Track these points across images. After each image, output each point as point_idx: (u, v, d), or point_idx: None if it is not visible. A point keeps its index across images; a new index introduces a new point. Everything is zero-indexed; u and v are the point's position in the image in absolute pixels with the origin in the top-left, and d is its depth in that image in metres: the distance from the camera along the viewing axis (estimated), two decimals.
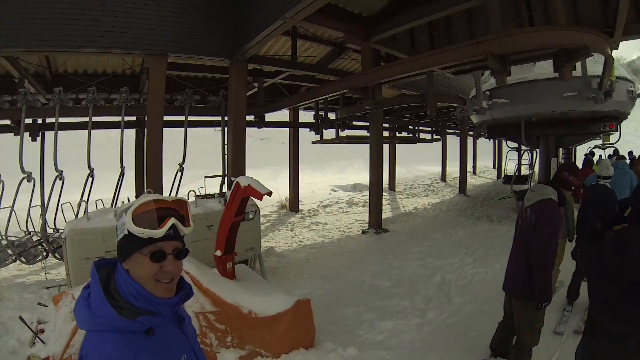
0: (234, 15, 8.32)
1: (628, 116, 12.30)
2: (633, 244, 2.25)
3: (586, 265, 3.00)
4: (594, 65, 9.83)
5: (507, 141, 15.07)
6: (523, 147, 14.73)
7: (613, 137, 12.57)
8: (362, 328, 5.45)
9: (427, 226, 12.17)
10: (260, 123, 11.95)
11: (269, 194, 4.32)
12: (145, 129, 8.79)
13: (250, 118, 11.20)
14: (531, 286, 3.79)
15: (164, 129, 8.18)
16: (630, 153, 11.45)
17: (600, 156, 11.70)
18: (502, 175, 15.94)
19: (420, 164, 33.88)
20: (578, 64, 8.76)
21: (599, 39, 5.81)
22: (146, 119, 8.69)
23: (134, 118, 11.27)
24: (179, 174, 8.82)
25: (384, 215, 12.54)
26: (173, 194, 8.25)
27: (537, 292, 3.73)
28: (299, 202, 15.80)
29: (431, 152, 29.99)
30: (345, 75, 11.82)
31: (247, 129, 9.79)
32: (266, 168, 23.82)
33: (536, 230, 3.79)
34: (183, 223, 1.52)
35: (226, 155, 9.13)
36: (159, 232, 1.43)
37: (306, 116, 16.09)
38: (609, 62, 7.92)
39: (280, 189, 15.73)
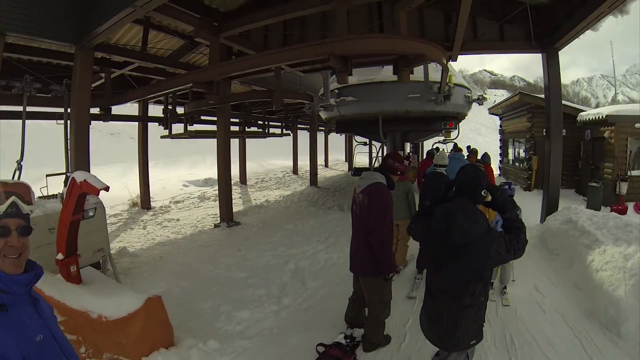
0: None
1: (466, 117, 14.03)
2: (457, 213, 2.77)
3: (419, 237, 3.40)
4: (436, 72, 10.91)
5: (356, 136, 15.79)
6: (374, 142, 15.68)
7: (453, 134, 13.98)
8: (221, 320, 5.46)
9: (279, 217, 12.42)
10: (106, 116, 11.08)
11: (106, 189, 4.06)
12: None
13: (95, 111, 10.40)
14: (374, 263, 4.24)
15: None
16: (469, 147, 13.13)
17: (443, 150, 13.06)
18: (352, 168, 16.34)
19: (272, 158, 34.24)
20: (421, 70, 9.67)
21: (435, 50, 6.46)
22: None
23: None
24: (17, 172, 7.98)
25: (235, 209, 12.56)
26: None
27: (382, 265, 4.19)
28: (151, 199, 15.07)
29: (283, 146, 30.58)
30: (196, 69, 11.56)
31: (95, 122, 9.15)
32: (117, 165, 22.42)
33: (369, 210, 4.22)
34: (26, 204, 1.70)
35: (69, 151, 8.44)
36: (1, 208, 1.61)
37: (156, 110, 15.34)
38: (445, 70, 8.94)
39: (132, 186, 15.18)
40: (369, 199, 4.25)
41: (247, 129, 19.44)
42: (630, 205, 13.66)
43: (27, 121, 7.79)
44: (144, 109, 14.76)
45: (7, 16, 6.73)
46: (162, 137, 14.57)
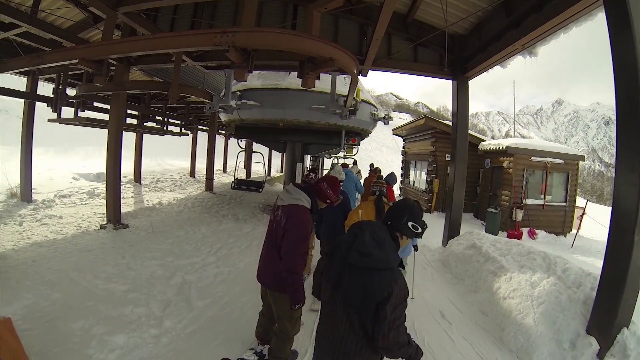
0: None
1: (370, 134, 14.06)
2: (366, 231, 2.58)
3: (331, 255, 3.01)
4: (344, 86, 10.81)
5: (242, 141, 14.75)
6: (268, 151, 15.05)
7: (354, 151, 13.86)
8: (92, 346, 4.57)
9: (170, 222, 11.54)
10: None
11: None
12: None
13: None
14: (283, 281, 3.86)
15: None
16: (372, 165, 13.18)
17: (338, 165, 12.90)
18: (234, 179, 14.62)
19: (170, 157, 32.83)
20: (328, 81, 9.39)
21: (345, 56, 6.04)
22: None
23: None
24: None
25: (125, 209, 11.77)
26: None
27: (289, 296, 3.80)
28: (33, 190, 13.34)
29: (182, 146, 29.62)
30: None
31: None
32: (2, 146, 19.97)
33: (285, 234, 3.82)
34: None
35: None
36: None
37: (48, 89, 13.24)
38: (354, 81, 8.51)
39: (14, 173, 13.44)
40: (286, 220, 3.85)
41: (144, 124, 18.02)
42: (525, 231, 14.96)
43: None
44: (32, 84, 12.99)
45: None
46: (49, 120, 12.96)
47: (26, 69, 9.13)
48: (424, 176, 21.26)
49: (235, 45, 5.26)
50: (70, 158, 25.31)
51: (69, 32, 10.23)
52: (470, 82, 10.52)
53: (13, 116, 28.87)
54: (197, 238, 9.91)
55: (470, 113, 10.81)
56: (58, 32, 9.78)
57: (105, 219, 10.52)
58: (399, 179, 24.65)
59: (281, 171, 30.57)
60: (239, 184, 14.27)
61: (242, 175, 29.71)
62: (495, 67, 9.37)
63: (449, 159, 16.64)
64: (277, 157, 33.52)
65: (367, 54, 8.58)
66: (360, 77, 9.95)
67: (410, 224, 2.84)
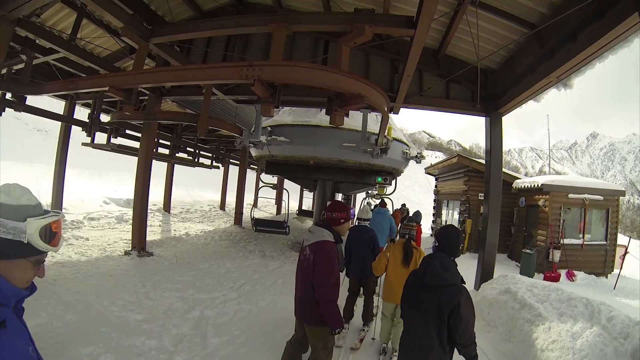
0: None
1: (402, 173, 13.83)
2: (435, 260, 3.43)
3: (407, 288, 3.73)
4: (376, 124, 10.66)
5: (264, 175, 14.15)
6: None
7: (389, 190, 13.52)
8: None
9: (195, 254, 11.45)
10: (19, 105, 10.06)
11: None
12: None
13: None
14: (321, 315, 4.10)
15: None
16: (404, 205, 12.98)
17: (369, 204, 12.64)
18: (252, 217, 13.12)
19: (201, 189, 33.37)
20: (359, 118, 9.24)
21: (375, 92, 5.88)
22: None
23: None
24: None
25: (152, 237, 11.80)
26: None
27: (328, 323, 4.07)
28: (63, 210, 13.61)
29: (214, 178, 30.06)
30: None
31: (21, 115, 8.16)
32: (39, 164, 20.40)
33: (315, 268, 4.05)
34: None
35: None
36: (58, 248, 1.70)
37: (83, 113, 14.28)
38: (384, 119, 8.39)
39: (47, 192, 13.68)
40: (314, 255, 4.10)
41: (176, 154, 18.56)
42: (563, 273, 14.13)
43: None
44: (70, 108, 13.40)
45: None
46: (83, 144, 13.53)
47: (61, 92, 9.23)
48: (456, 216, 20.81)
49: (261, 78, 5.16)
50: (104, 182, 25.80)
51: (106, 61, 10.51)
52: (503, 118, 10.17)
53: (52, 137, 29.69)
54: (220, 272, 9.77)
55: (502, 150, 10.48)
56: (94, 59, 9.99)
57: (131, 245, 10.56)
58: (430, 218, 24.89)
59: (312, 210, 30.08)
60: (260, 225, 12.88)
61: (272, 211, 29.66)
62: (529, 101, 9.04)
63: (482, 198, 16.19)
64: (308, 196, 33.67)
65: (399, 91, 8.39)
66: (392, 116, 9.78)
67: (460, 247, 3.72)
